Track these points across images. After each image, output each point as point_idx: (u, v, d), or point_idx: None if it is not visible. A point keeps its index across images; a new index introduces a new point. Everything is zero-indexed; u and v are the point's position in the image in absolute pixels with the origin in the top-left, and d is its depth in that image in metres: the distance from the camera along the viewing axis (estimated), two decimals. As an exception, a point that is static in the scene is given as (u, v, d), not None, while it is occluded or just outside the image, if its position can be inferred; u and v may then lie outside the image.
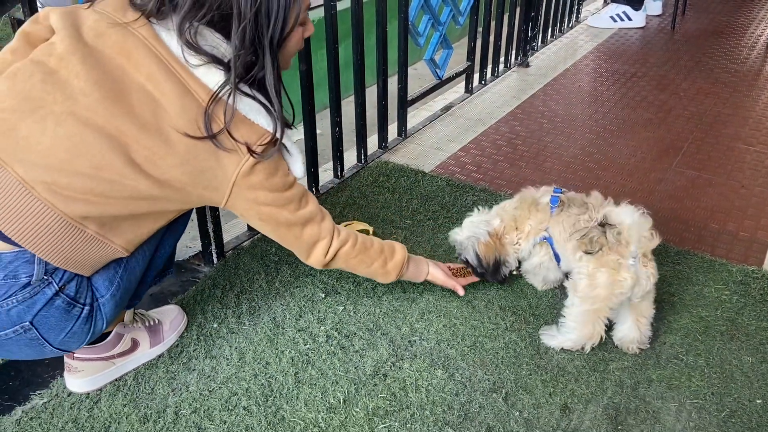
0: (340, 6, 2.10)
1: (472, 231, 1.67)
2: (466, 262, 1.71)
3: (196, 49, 1.15)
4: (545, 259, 1.62)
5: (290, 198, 1.34)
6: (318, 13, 2.18)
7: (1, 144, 1.11)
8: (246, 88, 1.20)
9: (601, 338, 1.54)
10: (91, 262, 1.23)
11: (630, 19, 4.05)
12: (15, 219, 1.12)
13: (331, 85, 2.20)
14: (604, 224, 1.44)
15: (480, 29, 3.05)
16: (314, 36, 2.01)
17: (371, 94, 2.40)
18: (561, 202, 1.58)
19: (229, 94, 1.16)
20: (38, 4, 1.51)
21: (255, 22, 1.15)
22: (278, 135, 1.24)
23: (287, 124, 1.29)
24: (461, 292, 1.71)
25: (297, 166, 1.34)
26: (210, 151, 1.18)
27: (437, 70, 2.84)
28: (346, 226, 2.03)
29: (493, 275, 1.68)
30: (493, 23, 3.14)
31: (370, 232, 2.02)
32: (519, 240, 1.66)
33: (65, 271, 1.20)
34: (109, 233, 1.20)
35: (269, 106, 1.22)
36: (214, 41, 1.17)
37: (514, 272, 1.75)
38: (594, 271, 1.45)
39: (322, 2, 2.07)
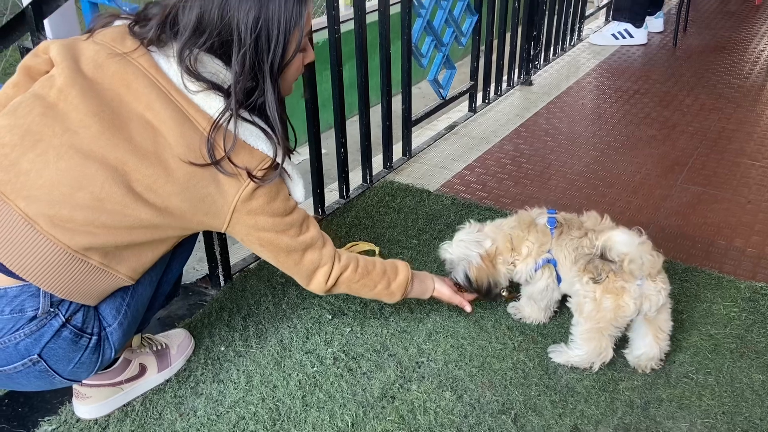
0: (343, 27, 2.12)
1: (463, 252, 1.62)
2: (457, 282, 1.68)
3: (196, 75, 1.16)
4: (551, 281, 1.62)
5: (291, 223, 1.33)
6: (322, 36, 2.21)
7: (3, 179, 1.12)
8: (246, 114, 1.21)
9: (612, 358, 1.53)
10: (97, 293, 1.23)
11: (632, 36, 4.08)
12: (19, 253, 1.12)
13: (335, 107, 2.22)
14: (604, 256, 1.44)
15: (482, 48, 3.07)
16: (318, 57, 2.05)
17: (375, 113, 2.41)
18: (559, 223, 1.58)
19: (229, 120, 1.17)
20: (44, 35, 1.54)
21: (255, 48, 1.17)
22: (279, 160, 1.24)
23: (288, 149, 1.30)
24: (468, 308, 1.69)
25: (298, 190, 1.34)
26: (210, 177, 1.19)
27: (441, 90, 2.86)
28: (351, 246, 2.04)
29: (486, 296, 1.66)
30: (495, 42, 3.17)
31: (377, 252, 2.02)
32: (515, 261, 1.62)
33: (71, 302, 1.20)
34: (112, 263, 1.20)
35: (269, 132, 1.23)
36: (213, 68, 1.18)
37: (507, 297, 1.73)
38: (601, 296, 1.46)
39: (326, 24, 2.09)
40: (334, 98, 2.20)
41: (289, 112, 1.84)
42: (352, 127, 2.36)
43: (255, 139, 1.22)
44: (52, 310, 1.18)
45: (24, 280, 1.14)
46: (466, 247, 1.63)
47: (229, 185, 1.21)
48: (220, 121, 1.17)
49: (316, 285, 1.43)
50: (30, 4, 1.54)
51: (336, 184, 2.40)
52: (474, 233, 1.65)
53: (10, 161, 1.12)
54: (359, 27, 2.21)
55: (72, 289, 1.18)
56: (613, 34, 4.10)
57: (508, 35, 3.29)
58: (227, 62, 1.18)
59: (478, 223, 1.69)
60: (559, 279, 1.59)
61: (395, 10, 2.38)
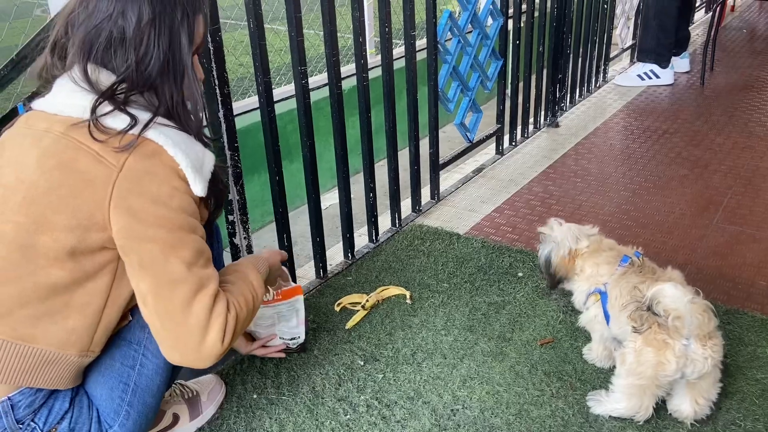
0: (371, 74, 2.16)
1: (562, 236, 1.68)
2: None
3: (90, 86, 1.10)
4: (598, 313, 1.58)
5: (183, 242, 1.10)
6: (350, 82, 2.24)
7: None
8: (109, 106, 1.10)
9: (654, 411, 1.47)
10: (57, 376, 1.15)
11: (658, 76, 4.07)
12: None
13: (364, 152, 2.24)
14: (650, 309, 1.40)
15: (508, 92, 3.10)
16: (347, 103, 2.09)
17: (402, 158, 2.43)
18: (631, 263, 1.56)
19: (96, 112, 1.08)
20: None
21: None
22: (136, 131, 1.07)
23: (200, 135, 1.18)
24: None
25: (194, 182, 1.12)
26: (77, 174, 1.07)
27: (468, 134, 2.88)
28: (382, 291, 2.02)
29: (550, 282, 1.74)
30: (520, 85, 3.19)
31: (407, 296, 2.00)
32: (582, 270, 1.66)
33: (48, 411, 1.15)
34: (27, 333, 1.10)
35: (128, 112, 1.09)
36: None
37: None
38: (641, 347, 1.41)
39: (354, 72, 2.13)
40: (363, 144, 2.22)
41: (318, 159, 1.87)
42: (380, 171, 2.37)
43: (115, 119, 1.09)
44: (21, 426, 1.13)
45: None
46: (568, 233, 1.68)
47: (99, 177, 1.06)
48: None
49: (210, 346, 1.11)
50: None
51: (365, 229, 2.41)
52: (589, 229, 1.71)
53: None
54: (387, 74, 2.25)
55: (17, 377, 1.11)
56: (639, 75, 4.10)
57: (533, 78, 3.31)
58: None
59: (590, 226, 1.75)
60: (607, 317, 1.55)
61: (421, 56, 2.42)
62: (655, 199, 2.64)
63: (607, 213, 2.54)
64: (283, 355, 1.63)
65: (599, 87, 4.11)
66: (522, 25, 3.07)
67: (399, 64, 2.34)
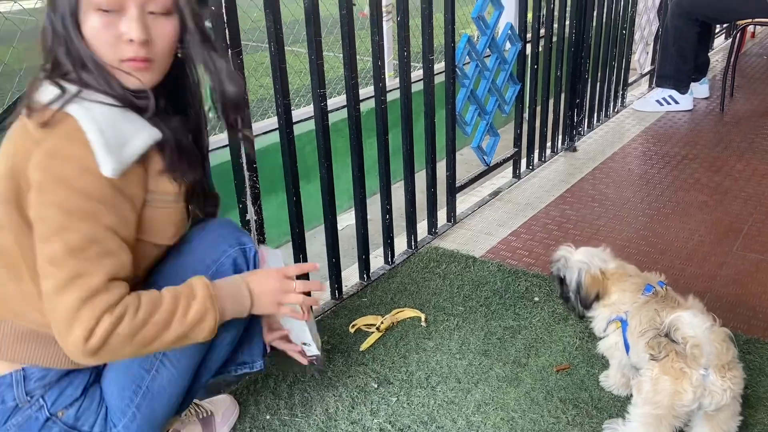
0: (390, 96, 2.17)
1: (587, 258, 1.63)
2: (560, 279, 1.67)
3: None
4: (618, 340, 1.56)
5: (74, 227, 1.04)
6: (368, 104, 2.26)
7: None
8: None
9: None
10: (55, 355, 1.17)
11: (677, 102, 4.06)
12: None
13: (381, 174, 2.25)
14: (669, 336, 1.38)
15: (525, 116, 3.10)
16: (364, 125, 2.10)
17: (419, 178, 2.43)
18: (655, 292, 1.54)
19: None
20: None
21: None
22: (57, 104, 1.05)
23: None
24: (299, 298, 1.29)
25: (102, 157, 1.05)
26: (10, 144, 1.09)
27: (485, 157, 2.88)
28: (397, 313, 2.01)
29: (579, 306, 1.65)
30: (538, 109, 3.19)
31: (422, 319, 1.99)
32: (608, 295, 1.62)
33: (59, 393, 1.18)
34: (28, 312, 1.14)
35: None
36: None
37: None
38: (658, 375, 1.39)
39: (372, 94, 2.15)
40: (380, 167, 2.23)
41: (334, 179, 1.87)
42: (396, 192, 2.38)
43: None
44: (30, 399, 1.17)
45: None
46: (591, 255, 1.63)
47: (28, 157, 1.06)
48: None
49: (73, 342, 1.04)
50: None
51: (380, 250, 2.41)
52: (602, 251, 1.66)
53: None
54: (405, 97, 2.27)
55: (19, 354, 1.16)
56: (658, 101, 4.09)
57: (551, 102, 3.31)
58: None
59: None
60: (627, 345, 1.53)
61: (439, 79, 2.44)
62: (673, 225, 2.62)
63: (625, 238, 2.52)
64: (303, 359, 1.48)
65: (617, 112, 4.10)
66: (540, 49, 3.09)
67: (416, 87, 2.36)
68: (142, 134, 1.11)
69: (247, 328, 1.38)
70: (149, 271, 1.24)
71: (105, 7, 1.05)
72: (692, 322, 1.35)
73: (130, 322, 1.06)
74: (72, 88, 1.07)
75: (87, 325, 1.02)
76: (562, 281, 1.67)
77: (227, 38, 1.56)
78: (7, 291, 1.15)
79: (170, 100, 1.22)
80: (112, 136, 1.06)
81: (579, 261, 1.64)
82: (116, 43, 1.07)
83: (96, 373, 1.25)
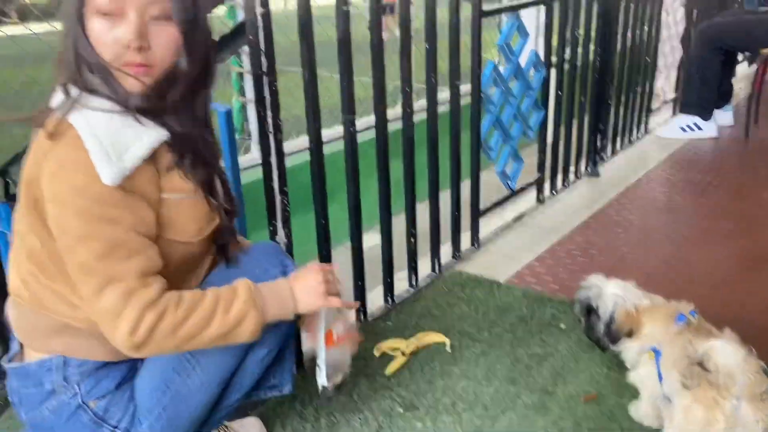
0: (415, 118, 2.20)
1: (623, 291, 1.62)
2: (589, 308, 1.65)
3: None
4: (651, 371, 1.55)
5: (96, 234, 1.07)
6: (396, 125, 2.27)
7: None
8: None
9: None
10: (89, 348, 1.21)
11: (701, 129, 4.04)
12: (18, 328, 1.24)
13: (407, 198, 2.27)
14: (702, 365, 1.37)
15: (549, 141, 3.11)
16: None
17: (442, 198, 2.43)
18: (688, 322, 1.53)
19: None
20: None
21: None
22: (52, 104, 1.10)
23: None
24: (337, 303, 1.31)
25: (100, 165, 1.06)
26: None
27: (509, 182, 2.89)
28: (422, 338, 2.01)
29: (607, 340, 1.64)
30: (562, 135, 3.20)
31: (447, 344, 1.99)
32: (640, 330, 1.62)
33: (95, 384, 1.22)
34: (41, 299, 1.19)
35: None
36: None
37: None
38: (690, 404, 1.37)
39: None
40: (406, 191, 2.25)
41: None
42: (418, 213, 2.37)
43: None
44: (65, 384, 1.21)
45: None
46: (626, 289, 1.63)
47: (41, 170, 1.09)
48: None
49: (119, 337, 1.09)
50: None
51: (404, 273, 2.41)
52: (633, 288, 1.66)
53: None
54: (431, 122, 2.29)
55: (55, 345, 1.21)
56: (682, 127, 4.07)
57: (574, 127, 3.32)
58: None
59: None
60: (660, 376, 1.52)
61: (464, 100, 2.45)
62: (700, 253, 2.60)
63: (652, 266, 2.50)
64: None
65: (641, 138, 4.09)
66: (564, 75, 3.10)
67: (442, 108, 2.37)
68: (144, 138, 1.11)
69: (278, 351, 1.39)
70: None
71: (106, 11, 1.07)
72: (726, 351, 1.35)
73: (173, 317, 1.10)
74: (73, 94, 1.09)
75: (131, 320, 1.07)
76: (590, 311, 1.66)
77: (263, 66, 1.60)
78: (39, 287, 1.19)
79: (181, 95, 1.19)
80: (110, 144, 1.07)
81: (614, 294, 1.63)
82: (116, 46, 1.08)
83: (132, 370, 1.27)
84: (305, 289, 1.26)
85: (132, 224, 1.09)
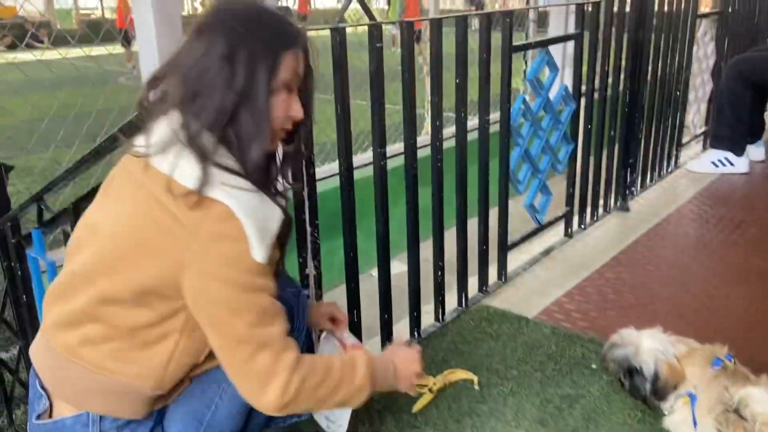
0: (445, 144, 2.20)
1: (660, 344, 1.58)
2: (629, 371, 1.60)
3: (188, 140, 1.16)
4: (687, 417, 1.51)
5: (249, 305, 1.15)
6: (425, 151, 2.27)
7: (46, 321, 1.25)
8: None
9: None
10: (122, 403, 1.23)
11: (732, 164, 3.98)
12: (54, 379, 1.23)
13: (435, 232, 2.26)
14: (738, 412, 1.33)
15: (578, 174, 3.08)
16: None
17: (469, 228, 2.41)
18: (724, 366, 1.50)
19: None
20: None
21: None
22: (236, 211, 1.11)
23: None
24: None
25: (255, 246, 1.13)
26: (160, 232, 1.14)
27: (537, 215, 2.87)
28: (449, 374, 1.98)
29: (655, 399, 1.58)
30: (591, 168, 3.17)
31: (475, 381, 1.96)
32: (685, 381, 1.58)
33: None
34: (105, 362, 1.19)
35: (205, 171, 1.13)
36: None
37: None
38: None
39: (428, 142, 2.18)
40: (434, 226, 2.24)
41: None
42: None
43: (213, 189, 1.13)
44: None
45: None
46: (662, 340, 1.59)
47: (179, 238, 1.13)
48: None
49: (270, 399, 1.17)
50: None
51: (430, 306, 2.39)
52: (664, 336, 1.62)
53: (47, 305, 1.27)
54: (460, 155, 2.29)
55: (92, 402, 1.21)
56: (713, 162, 4.02)
57: (604, 161, 3.29)
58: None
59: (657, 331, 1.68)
60: (695, 422, 1.48)
61: (492, 129, 2.44)
62: (735, 291, 2.53)
63: (684, 304, 2.45)
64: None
65: (671, 172, 4.04)
66: (594, 108, 3.09)
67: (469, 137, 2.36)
68: (276, 215, 1.20)
69: None
70: None
71: (290, 86, 1.21)
72: (763, 399, 1.31)
73: (313, 380, 1.21)
74: (217, 173, 1.13)
75: (282, 383, 1.17)
76: (631, 371, 1.62)
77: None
78: (107, 349, 1.20)
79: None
80: (260, 221, 1.15)
81: (653, 349, 1.59)
82: (287, 118, 1.23)
83: (159, 414, 1.30)
84: (405, 372, 1.47)
85: (272, 289, 1.19)
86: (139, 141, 1.19)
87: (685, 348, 1.58)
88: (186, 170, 1.12)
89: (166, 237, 1.13)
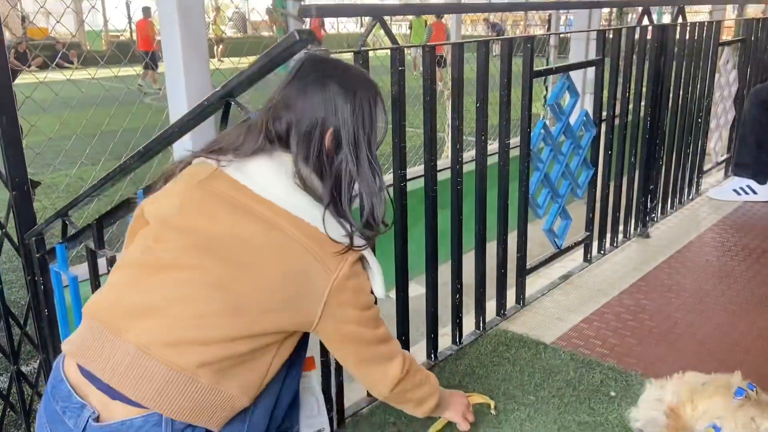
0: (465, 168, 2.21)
1: (649, 415, 1.57)
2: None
3: (304, 185, 1.27)
4: None
5: (372, 316, 1.37)
6: (445, 174, 2.28)
7: (115, 314, 1.24)
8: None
9: None
10: (214, 415, 1.24)
11: (755, 192, 3.93)
12: (135, 382, 1.19)
13: (453, 256, 2.26)
14: None
15: (598, 200, 3.07)
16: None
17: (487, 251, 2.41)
18: (747, 396, 1.47)
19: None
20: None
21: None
22: (359, 246, 1.29)
23: (368, 237, 1.33)
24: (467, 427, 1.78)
25: (377, 283, 1.37)
26: (302, 274, 1.25)
27: (556, 240, 2.86)
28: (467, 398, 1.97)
29: None
30: (611, 194, 3.16)
31: (491, 406, 1.94)
32: (692, 415, 1.54)
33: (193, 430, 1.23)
34: (222, 380, 1.22)
35: (346, 223, 1.28)
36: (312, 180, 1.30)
37: None
38: None
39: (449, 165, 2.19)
40: (453, 250, 2.24)
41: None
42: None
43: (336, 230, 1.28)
44: None
45: (146, 408, 1.19)
46: (649, 408, 1.59)
47: (319, 279, 1.26)
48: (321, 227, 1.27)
49: (392, 376, 1.43)
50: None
51: (447, 329, 2.38)
52: (655, 389, 1.62)
53: (118, 296, 1.27)
54: (480, 180, 2.30)
55: (188, 412, 1.21)
56: (735, 190, 3.97)
57: (624, 186, 3.28)
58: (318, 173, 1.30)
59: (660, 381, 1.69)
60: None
61: (512, 153, 2.45)
62: (757, 321, 2.49)
63: (705, 334, 2.41)
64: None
65: (692, 199, 4.00)
66: (615, 133, 3.09)
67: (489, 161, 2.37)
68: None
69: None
70: None
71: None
72: None
73: (413, 366, 1.50)
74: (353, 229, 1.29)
75: (400, 360, 1.44)
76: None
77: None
78: (229, 367, 1.24)
79: None
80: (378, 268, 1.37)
81: (646, 422, 1.62)
82: None
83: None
84: (456, 405, 1.75)
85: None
86: (236, 167, 1.29)
87: (671, 393, 1.56)
88: (332, 223, 1.27)
89: (311, 284, 1.26)
